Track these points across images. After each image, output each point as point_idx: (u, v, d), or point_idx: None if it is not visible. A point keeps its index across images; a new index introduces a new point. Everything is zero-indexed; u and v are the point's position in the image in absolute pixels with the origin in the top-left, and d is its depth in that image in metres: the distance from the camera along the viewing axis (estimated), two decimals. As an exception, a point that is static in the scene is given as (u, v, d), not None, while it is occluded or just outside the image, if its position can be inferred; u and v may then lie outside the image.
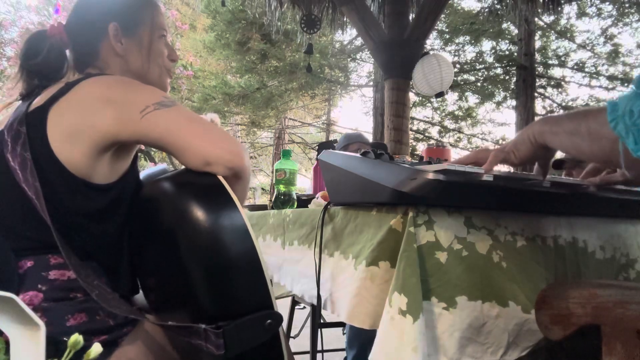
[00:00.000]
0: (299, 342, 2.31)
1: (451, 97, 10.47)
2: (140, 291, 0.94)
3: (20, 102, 0.87)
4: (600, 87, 9.77)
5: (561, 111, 10.13)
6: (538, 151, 0.72)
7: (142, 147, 0.93)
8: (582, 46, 9.71)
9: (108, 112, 0.77)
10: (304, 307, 2.72)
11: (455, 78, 8.60)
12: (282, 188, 1.49)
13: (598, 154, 0.62)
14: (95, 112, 0.77)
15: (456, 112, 10.84)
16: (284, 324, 2.11)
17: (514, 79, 9.17)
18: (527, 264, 0.82)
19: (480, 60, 9.89)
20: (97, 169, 0.80)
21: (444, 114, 11.01)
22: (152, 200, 0.82)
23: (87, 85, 0.81)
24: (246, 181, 0.83)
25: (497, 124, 12.13)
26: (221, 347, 0.67)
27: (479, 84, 10.01)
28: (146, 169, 1.01)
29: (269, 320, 0.73)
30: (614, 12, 8.91)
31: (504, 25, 9.10)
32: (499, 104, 10.41)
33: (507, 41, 9.46)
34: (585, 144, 0.63)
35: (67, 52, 0.93)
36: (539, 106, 9.89)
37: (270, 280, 0.75)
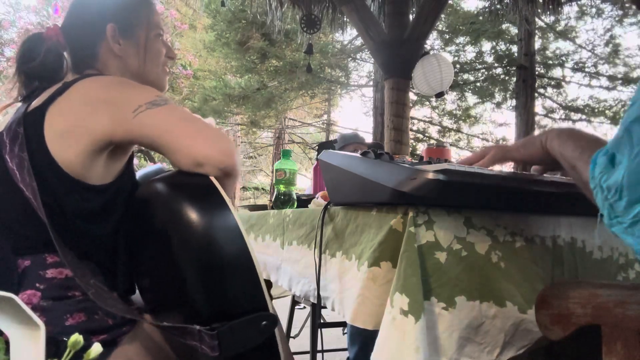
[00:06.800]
0: (299, 342, 2.31)
1: (451, 97, 10.47)
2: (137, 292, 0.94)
3: (21, 103, 0.88)
4: (600, 87, 9.77)
5: (561, 112, 10.15)
6: (544, 156, 0.73)
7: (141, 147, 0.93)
8: (582, 46, 9.71)
9: (102, 113, 0.77)
10: (304, 307, 2.72)
11: (455, 78, 8.60)
12: (282, 188, 1.49)
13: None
14: (90, 113, 0.77)
15: (455, 112, 10.84)
16: (284, 324, 2.12)
17: (514, 79, 9.17)
18: (524, 265, 0.82)
19: (480, 60, 9.88)
20: (93, 169, 0.80)
21: (443, 113, 11.01)
22: (146, 201, 0.82)
23: (83, 86, 0.81)
24: (236, 178, 0.83)
25: (497, 124, 12.12)
26: (216, 348, 0.67)
27: (478, 84, 10.01)
28: (142, 169, 1.02)
29: (264, 322, 0.73)
30: (615, 12, 8.91)
31: (504, 25, 9.09)
32: (499, 104, 10.40)
33: (507, 41, 9.45)
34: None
35: (65, 54, 0.93)
36: (539, 106, 9.89)
37: (266, 282, 0.75)
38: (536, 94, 9.13)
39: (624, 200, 0.52)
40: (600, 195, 0.56)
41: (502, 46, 9.63)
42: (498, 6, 5.74)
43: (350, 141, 2.34)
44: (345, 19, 5.01)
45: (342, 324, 2.37)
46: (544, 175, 0.84)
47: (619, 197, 0.52)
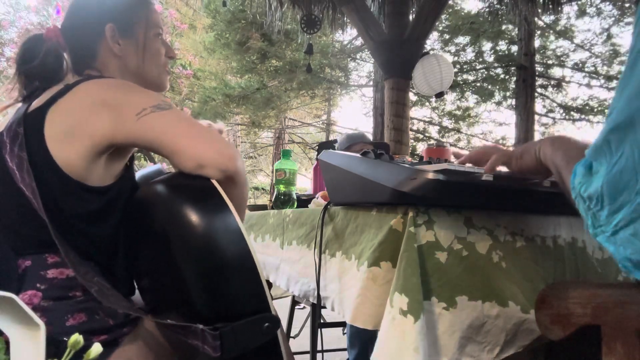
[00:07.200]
0: (299, 342, 2.31)
1: (451, 97, 10.48)
2: (137, 292, 0.94)
3: (21, 103, 0.88)
4: (600, 87, 9.77)
5: (561, 112, 10.14)
6: (538, 166, 0.73)
7: None
8: (581, 46, 9.71)
9: (104, 115, 0.77)
10: (304, 307, 2.72)
11: (455, 78, 8.60)
12: (282, 188, 1.49)
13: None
14: (92, 114, 0.77)
15: (455, 112, 10.85)
16: (284, 324, 2.12)
17: (514, 79, 9.17)
18: (525, 264, 0.82)
19: (480, 60, 9.88)
20: (93, 171, 0.80)
21: (442, 113, 11.02)
22: (146, 203, 0.82)
23: (85, 88, 0.81)
24: (242, 185, 0.82)
25: (497, 123, 12.13)
26: (218, 349, 0.67)
27: (478, 84, 10.01)
28: (142, 169, 1.01)
29: (266, 324, 0.73)
30: (614, 12, 8.91)
31: (504, 26, 9.10)
32: (498, 103, 10.41)
33: (506, 41, 9.46)
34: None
35: (65, 54, 0.93)
36: (539, 106, 9.89)
37: (268, 283, 0.75)
38: (536, 94, 9.13)
39: (606, 210, 0.52)
40: (582, 205, 0.56)
41: (502, 46, 9.64)
42: (498, 6, 5.75)
43: (357, 140, 2.31)
44: (345, 19, 5.01)
45: (342, 324, 2.37)
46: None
47: (601, 206, 0.53)
